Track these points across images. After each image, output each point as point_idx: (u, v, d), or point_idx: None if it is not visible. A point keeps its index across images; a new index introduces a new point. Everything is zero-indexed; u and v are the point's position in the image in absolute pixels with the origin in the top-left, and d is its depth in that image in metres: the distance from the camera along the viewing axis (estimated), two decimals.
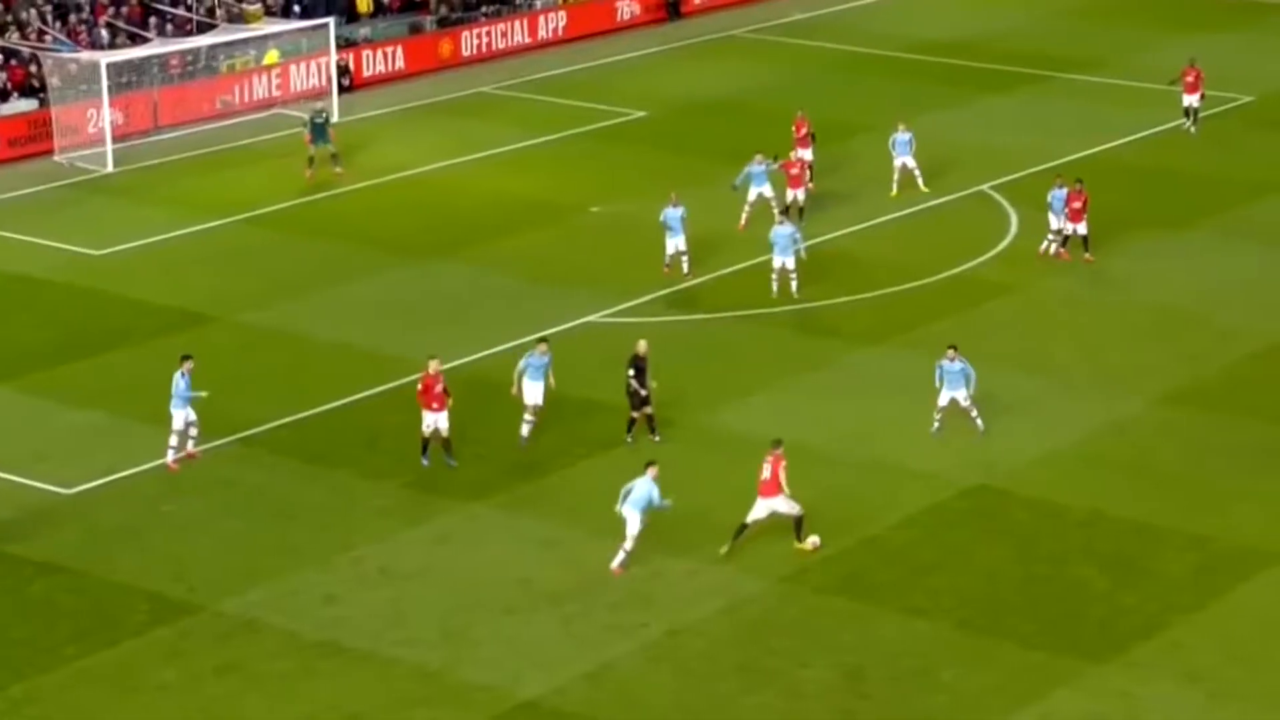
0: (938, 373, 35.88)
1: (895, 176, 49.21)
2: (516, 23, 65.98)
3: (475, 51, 64.59)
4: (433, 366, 34.88)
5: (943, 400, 35.79)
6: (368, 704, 28.06)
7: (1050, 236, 44.53)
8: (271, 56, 59.13)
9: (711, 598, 30.71)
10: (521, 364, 36.03)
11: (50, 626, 30.11)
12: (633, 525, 31.40)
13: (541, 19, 66.67)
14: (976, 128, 52.47)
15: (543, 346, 36.17)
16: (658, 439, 35.94)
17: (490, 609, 30.48)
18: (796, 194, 46.67)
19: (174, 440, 35.11)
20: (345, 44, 61.30)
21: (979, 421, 35.82)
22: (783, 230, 42.37)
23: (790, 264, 42.07)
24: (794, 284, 42.12)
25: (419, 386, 34.83)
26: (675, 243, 43.45)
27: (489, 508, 33.77)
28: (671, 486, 34.21)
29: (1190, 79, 54.55)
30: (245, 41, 58.74)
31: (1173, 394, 38.00)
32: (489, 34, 65.10)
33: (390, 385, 38.51)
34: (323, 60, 58.87)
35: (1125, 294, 43.06)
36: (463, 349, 40.14)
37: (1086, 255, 43.24)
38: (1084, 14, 69.88)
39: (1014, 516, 33.42)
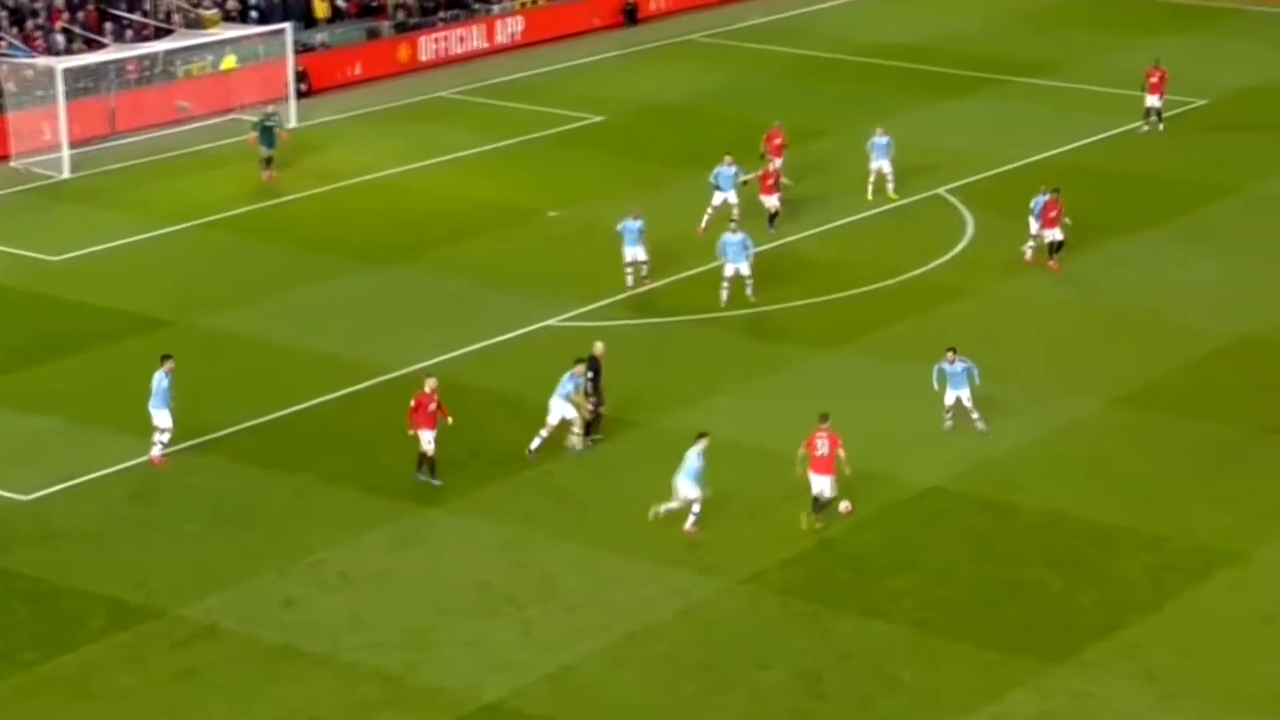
0: (936, 374, 35.93)
1: (870, 180, 49.33)
2: (474, 27, 66.01)
3: (433, 56, 64.58)
4: (429, 385, 34.42)
5: (949, 400, 35.92)
6: (328, 708, 28.05)
7: (1031, 242, 44.76)
8: (229, 62, 59.03)
9: (671, 600, 30.79)
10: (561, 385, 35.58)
11: (8, 633, 30.02)
12: (690, 492, 32.33)
13: (499, 24, 66.71)
14: (933, 132, 52.67)
15: (580, 367, 35.98)
16: (598, 437, 36.02)
17: (451, 612, 30.51)
18: (769, 200, 46.51)
19: (164, 437, 35.18)
20: (303, 49, 61.21)
21: (980, 423, 35.89)
22: (733, 238, 42.45)
23: (745, 269, 42.14)
24: (749, 288, 42.20)
25: (411, 404, 34.36)
26: (633, 252, 43.43)
27: (448, 511, 33.80)
28: (631, 489, 34.39)
29: (1154, 79, 54.94)
30: (202, 47, 58.63)
31: (1130, 395, 38.22)
32: (446, 39, 65.10)
33: (349, 389, 38.49)
34: (280, 65, 58.77)
35: (1082, 296, 43.29)
36: (421, 353, 40.14)
37: (1050, 262, 43.23)
38: (1039, 18, 70.19)
39: (971, 518, 33.58)
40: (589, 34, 68.42)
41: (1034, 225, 44.51)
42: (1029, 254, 44.65)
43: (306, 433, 36.94)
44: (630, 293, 43.39)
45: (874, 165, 49.28)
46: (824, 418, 33.00)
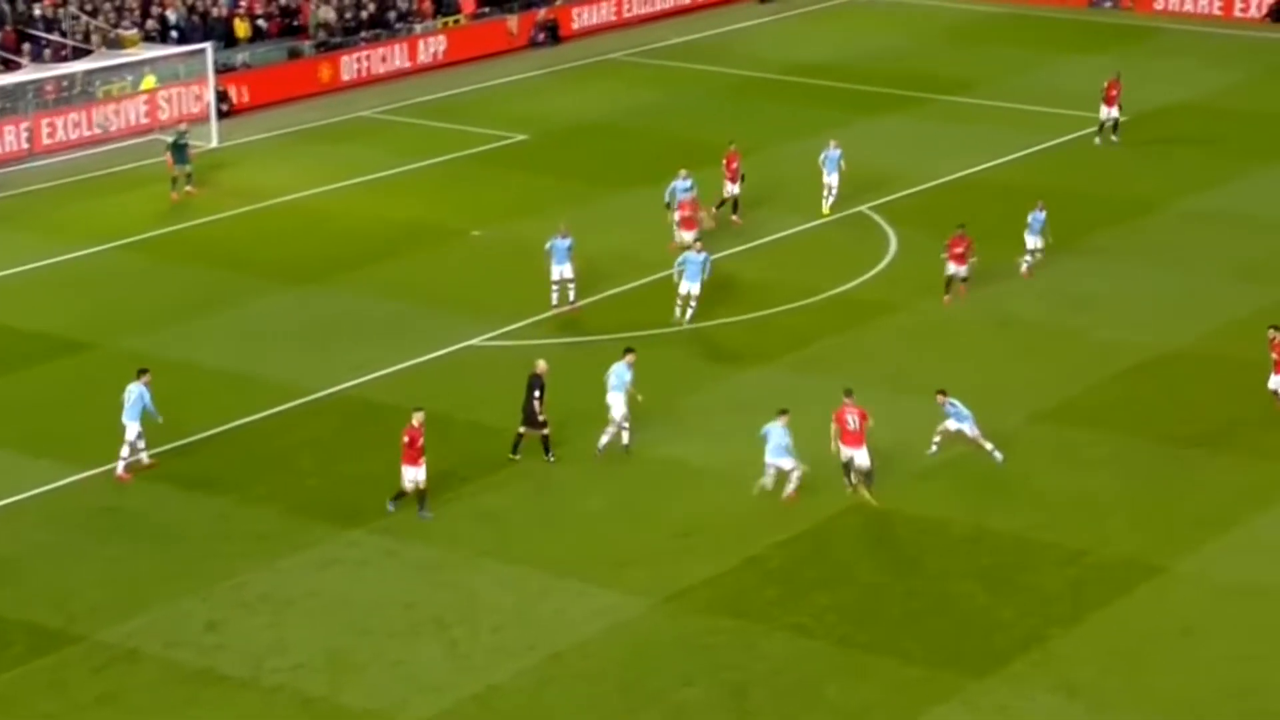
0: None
1: (825, 193, 49.64)
2: (396, 47, 65.94)
3: (355, 76, 64.47)
4: (416, 420, 33.80)
5: (950, 426, 35.82)
6: None
7: (1026, 257, 45.19)
8: (149, 82, 58.78)
9: (596, 619, 30.78)
10: (608, 374, 36.24)
11: None
12: (786, 463, 33.84)
13: (421, 43, 66.67)
14: (855, 149, 52.87)
15: (630, 357, 36.43)
16: (552, 459, 36.04)
17: (374, 634, 30.40)
18: (687, 235, 46.30)
19: (126, 451, 35.26)
20: (223, 69, 61.00)
21: (997, 454, 35.77)
22: (695, 258, 42.48)
23: (696, 290, 42.19)
24: (690, 311, 42.22)
25: (404, 439, 33.74)
26: (560, 270, 43.42)
27: (371, 532, 33.69)
28: (556, 508, 34.39)
29: (1113, 92, 55.72)
30: (122, 67, 58.37)
31: (1051, 410, 38.48)
32: (369, 58, 65.00)
33: (272, 410, 38.33)
34: (201, 85, 58.54)
35: (1003, 312, 43.55)
36: (342, 374, 40.03)
37: (948, 296, 43.11)
38: (959, 37, 70.71)
39: (896, 533, 33.71)
40: (511, 53, 68.47)
41: (1030, 240, 44.97)
42: (1024, 268, 45.16)
43: (229, 454, 36.76)
44: (555, 311, 43.41)
45: (827, 179, 49.58)
46: (848, 392, 34.78)
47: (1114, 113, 55.84)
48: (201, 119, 57.53)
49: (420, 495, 33.88)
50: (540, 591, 31.60)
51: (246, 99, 61.45)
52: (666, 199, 46.99)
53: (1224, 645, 30.08)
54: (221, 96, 59.55)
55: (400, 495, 33.97)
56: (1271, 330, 38.31)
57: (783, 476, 34.32)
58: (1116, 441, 37.10)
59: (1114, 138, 55.85)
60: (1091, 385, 39.74)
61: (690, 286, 42.34)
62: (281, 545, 33.18)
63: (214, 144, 57.10)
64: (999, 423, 37.60)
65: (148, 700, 28.62)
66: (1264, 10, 72.79)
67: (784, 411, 34.27)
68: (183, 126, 53.82)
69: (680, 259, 42.83)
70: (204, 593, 31.60)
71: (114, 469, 35.53)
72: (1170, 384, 39.74)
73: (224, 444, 37.12)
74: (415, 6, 68.08)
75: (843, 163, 49.73)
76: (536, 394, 35.78)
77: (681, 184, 46.91)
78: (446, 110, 61.17)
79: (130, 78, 58.78)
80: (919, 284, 44.92)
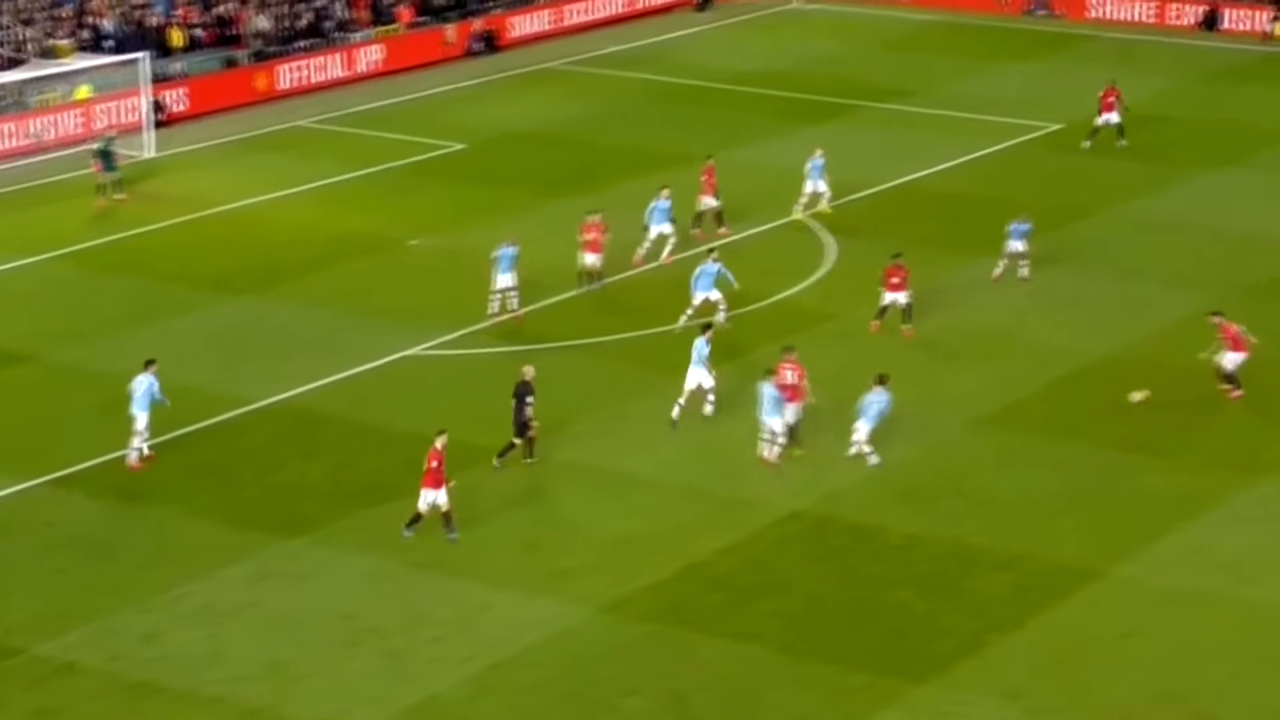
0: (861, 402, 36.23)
1: (802, 199, 50.05)
2: (333, 56, 65.73)
3: (291, 85, 64.24)
4: (440, 442, 33.24)
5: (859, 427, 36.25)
6: None
7: (1003, 261, 45.56)
8: (83, 92, 58.43)
9: (536, 628, 30.71)
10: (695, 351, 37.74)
11: None
12: (775, 424, 35.71)
13: (359, 52, 66.49)
14: (793, 157, 52.99)
15: (710, 332, 37.79)
16: (530, 462, 36.08)
17: (314, 644, 30.26)
18: (591, 257, 45.84)
19: (138, 441, 35.65)
20: (159, 79, 60.69)
21: (872, 458, 36.17)
22: (710, 268, 42.37)
23: (715, 297, 42.19)
24: (723, 313, 42.27)
25: (431, 463, 33.08)
26: (504, 279, 43.30)
27: (310, 542, 33.54)
28: (494, 517, 34.30)
29: (1110, 99, 56.46)
30: (56, 77, 58.01)
31: (990, 416, 38.62)
32: (305, 67, 64.78)
33: (210, 421, 38.10)
34: (136, 95, 58.22)
35: (941, 319, 43.66)
36: (280, 384, 39.84)
37: (906, 327, 42.90)
38: (895, 44, 70.99)
39: (835, 541, 33.77)
40: (449, 62, 68.35)
41: (1011, 245, 45.42)
42: (997, 273, 45.53)
43: (167, 466, 36.53)
44: (493, 320, 43.32)
45: (809, 187, 49.88)
46: (789, 349, 36.81)
47: (1114, 118, 56.66)
48: (137, 129, 57.21)
49: (445, 517, 33.26)
50: (480, 602, 31.52)
51: (182, 108, 61.15)
52: (646, 220, 46.67)
53: (1162, 649, 30.24)
54: (157, 106, 59.27)
55: (416, 520, 33.37)
56: (1215, 317, 39.11)
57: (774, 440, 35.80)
58: (1056, 447, 37.26)
59: (1121, 141, 56.54)
60: (1029, 392, 39.90)
61: (705, 295, 42.30)
62: (220, 556, 32.99)
63: (149, 154, 56.81)
64: (938, 429, 37.75)
65: (86, 713, 28.41)
66: (1196, 18, 73.32)
67: (770, 371, 36.21)
68: (111, 133, 53.55)
69: (696, 271, 42.58)
70: (142, 604, 31.39)
71: (125, 457, 35.96)
72: (1108, 390, 39.93)
73: (161, 455, 36.86)
74: (352, 16, 67.89)
75: (825, 169, 50.25)
76: (528, 400, 35.75)
77: (663, 204, 46.67)
78: (384, 119, 61.01)
79: (65, 88, 58.41)
80: (858, 292, 44.98)
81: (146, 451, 36.21)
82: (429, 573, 32.33)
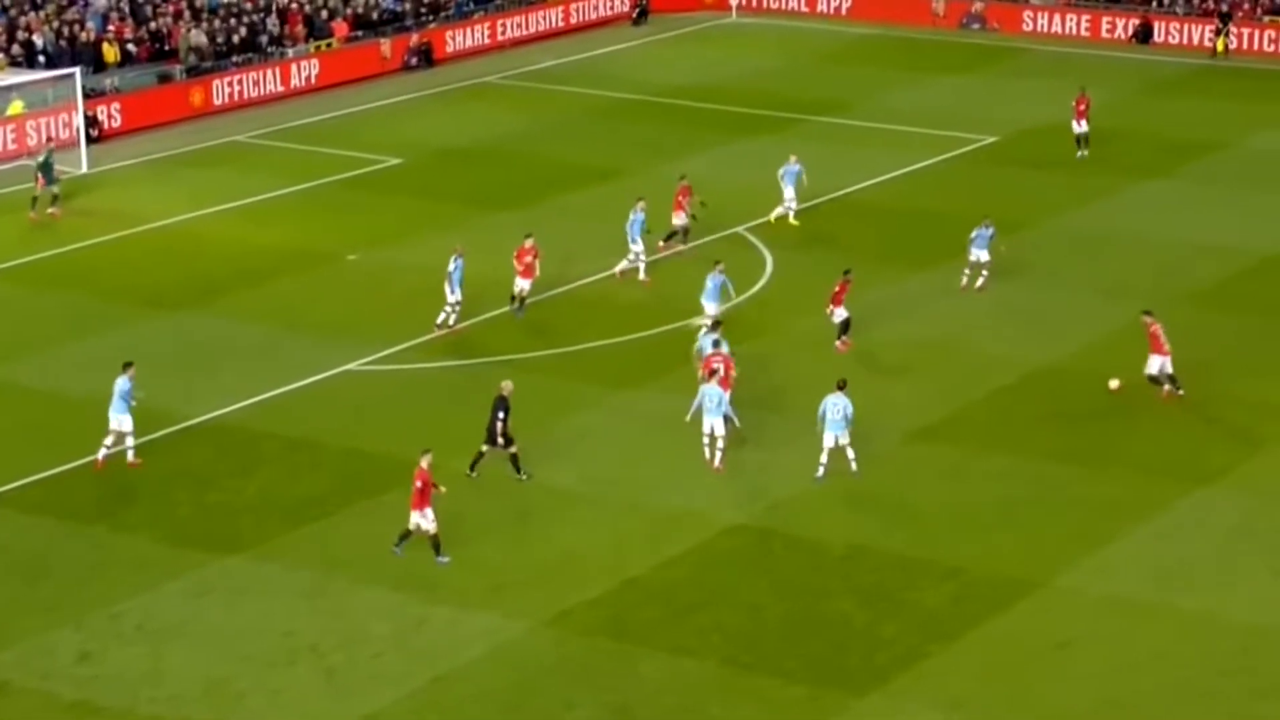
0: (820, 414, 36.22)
1: (782, 206, 50.72)
2: (268, 71, 65.48)
3: (227, 100, 63.96)
4: (425, 462, 32.83)
5: (827, 442, 36.12)
6: None
7: (967, 270, 45.85)
8: (15, 107, 58.03)
9: (476, 642, 30.59)
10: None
11: None
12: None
13: (294, 67, 66.26)
14: (730, 170, 53.07)
15: (715, 334, 38.65)
16: (525, 477, 35.94)
17: (252, 662, 30.05)
18: (522, 282, 45.48)
19: (129, 440, 36.21)
20: (92, 94, 60.32)
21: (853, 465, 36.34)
22: (716, 278, 42.47)
23: (713, 310, 42.21)
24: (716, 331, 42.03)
25: (417, 484, 32.73)
26: (454, 293, 43.10)
27: (248, 559, 33.32)
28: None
29: (1081, 107, 57.04)
30: None
31: (929, 427, 38.69)
32: (240, 82, 64.50)
33: (144, 439, 37.74)
34: (70, 111, 57.84)
35: (880, 330, 43.72)
36: (216, 400, 39.60)
37: (839, 341, 42.70)
38: (831, 58, 71.21)
39: (775, 554, 33.75)
40: (385, 76, 68.19)
41: (973, 253, 45.76)
42: (965, 281, 45.81)
43: (101, 483, 36.24)
44: (437, 333, 43.14)
45: (786, 192, 50.47)
46: (716, 343, 38.04)
47: (1083, 127, 57.19)
48: (70, 145, 56.83)
49: (432, 541, 32.87)
50: (419, 616, 31.37)
51: (116, 124, 60.80)
52: (628, 233, 46.48)
53: (1101, 658, 30.34)
54: (90, 122, 58.90)
55: (405, 537, 33.02)
56: (1146, 317, 39.57)
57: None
58: (997, 458, 37.36)
59: (1082, 152, 57.09)
60: (967, 403, 40.01)
61: (710, 308, 42.36)
62: (156, 574, 32.74)
63: (83, 169, 56.45)
64: (878, 441, 37.76)
65: None
66: (1129, 32, 73.82)
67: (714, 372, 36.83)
68: (51, 145, 53.33)
69: (707, 283, 42.57)
70: (77, 623, 31.12)
71: (126, 458, 36.51)
72: (1047, 400, 40.09)
73: (96, 473, 36.56)
74: (287, 30, 67.65)
75: (804, 176, 50.56)
76: (501, 414, 35.66)
77: (639, 216, 46.41)
78: (320, 134, 60.81)
79: None
80: (796, 305, 45.06)
81: (104, 454, 36.34)
82: (367, 588, 32.17)
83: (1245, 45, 71.97)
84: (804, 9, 78.28)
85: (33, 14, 63.35)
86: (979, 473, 36.80)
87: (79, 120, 57.66)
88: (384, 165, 57.48)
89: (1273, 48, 71.71)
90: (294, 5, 68.56)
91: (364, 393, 40.59)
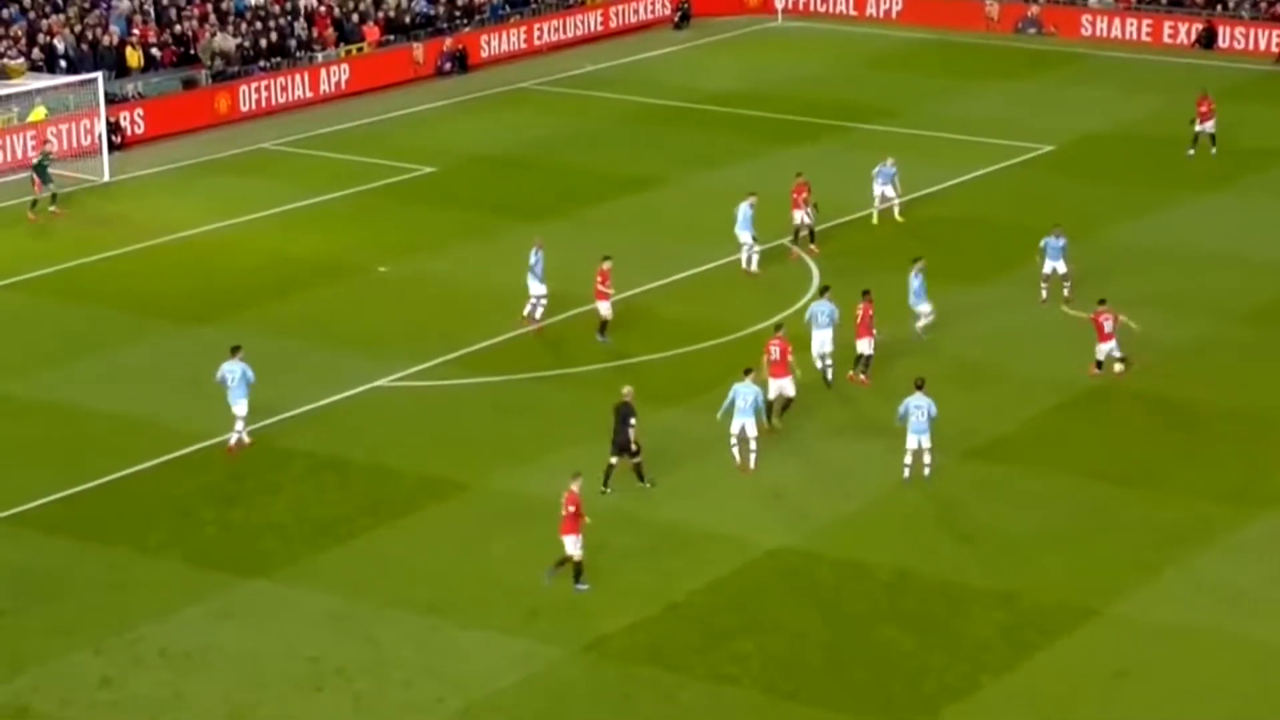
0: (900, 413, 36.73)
1: (876, 206, 51.64)
2: (297, 76, 65.81)
3: (254, 106, 64.29)
4: (576, 485, 32.97)
5: (910, 444, 36.69)
6: None
7: (1045, 285, 46.01)
8: (37, 114, 58.40)
9: (509, 669, 30.70)
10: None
11: None
12: (751, 429, 36.75)
13: (323, 72, 66.58)
14: (776, 180, 53.10)
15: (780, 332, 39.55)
16: (649, 485, 36.43)
17: (277, 688, 30.21)
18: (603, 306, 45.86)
19: (240, 425, 37.93)
20: (115, 100, 60.70)
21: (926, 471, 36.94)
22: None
23: (925, 309, 43.16)
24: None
25: (570, 508, 32.84)
26: (535, 286, 44.04)
27: (274, 582, 33.50)
28: (461, 554, 34.29)
29: (1204, 108, 58.05)
30: (8, 98, 57.96)
31: (976, 448, 38.67)
32: (268, 88, 64.84)
33: (168, 456, 38.05)
34: (92, 117, 58.22)
35: (929, 347, 43.68)
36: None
37: (861, 376, 42.33)
38: (880, 63, 71.24)
39: (820, 578, 33.79)
40: (418, 82, 68.46)
41: (1047, 265, 45.87)
42: (1045, 293, 46.02)
43: (122, 502, 36.49)
44: (525, 327, 43.98)
45: (878, 190, 51.56)
46: (779, 327, 39.45)
47: (1209, 127, 58.00)
48: (92, 152, 57.21)
49: (575, 567, 32.94)
50: (449, 641, 31.50)
51: (139, 131, 61.17)
52: (741, 227, 47.77)
53: (1160, 689, 30.29)
54: (113, 128, 59.27)
55: (563, 562, 33.08)
56: (1100, 305, 41.13)
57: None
58: (1044, 478, 37.33)
59: (1213, 150, 57.93)
60: (1017, 423, 39.97)
61: (923, 307, 43.51)
62: (179, 596, 32.94)
63: (105, 178, 56.82)
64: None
65: None
66: (1192, 36, 73.69)
67: (749, 370, 37.28)
68: (48, 148, 53.86)
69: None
70: (97, 647, 31.33)
71: (226, 441, 38.06)
72: (1099, 420, 40.05)
73: (117, 492, 36.84)
74: (317, 34, 67.99)
75: (897, 179, 51.64)
76: (632, 421, 36.13)
77: (748, 210, 47.74)
78: (350, 142, 61.09)
79: (17, 109, 58.40)
80: (842, 320, 45.00)
81: (246, 439, 37.82)
82: (396, 611, 32.31)
83: None
84: (852, 12, 78.38)
85: (54, 17, 63.78)
86: (1031, 494, 36.77)
87: (101, 127, 58.04)
88: (416, 174, 57.72)
89: None
90: (323, 8, 68.90)
91: (394, 409, 40.76)
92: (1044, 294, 46.10)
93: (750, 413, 36.83)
